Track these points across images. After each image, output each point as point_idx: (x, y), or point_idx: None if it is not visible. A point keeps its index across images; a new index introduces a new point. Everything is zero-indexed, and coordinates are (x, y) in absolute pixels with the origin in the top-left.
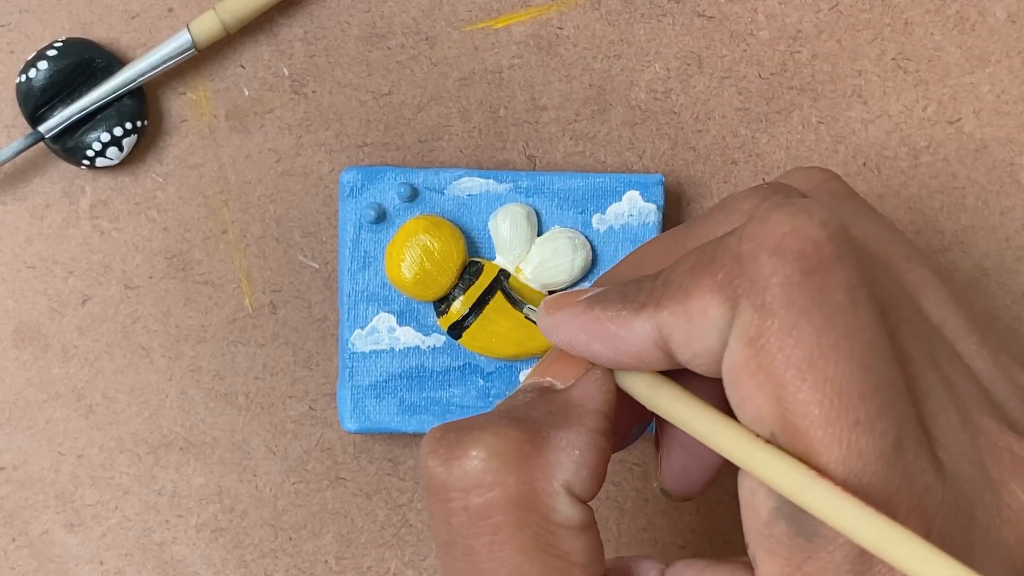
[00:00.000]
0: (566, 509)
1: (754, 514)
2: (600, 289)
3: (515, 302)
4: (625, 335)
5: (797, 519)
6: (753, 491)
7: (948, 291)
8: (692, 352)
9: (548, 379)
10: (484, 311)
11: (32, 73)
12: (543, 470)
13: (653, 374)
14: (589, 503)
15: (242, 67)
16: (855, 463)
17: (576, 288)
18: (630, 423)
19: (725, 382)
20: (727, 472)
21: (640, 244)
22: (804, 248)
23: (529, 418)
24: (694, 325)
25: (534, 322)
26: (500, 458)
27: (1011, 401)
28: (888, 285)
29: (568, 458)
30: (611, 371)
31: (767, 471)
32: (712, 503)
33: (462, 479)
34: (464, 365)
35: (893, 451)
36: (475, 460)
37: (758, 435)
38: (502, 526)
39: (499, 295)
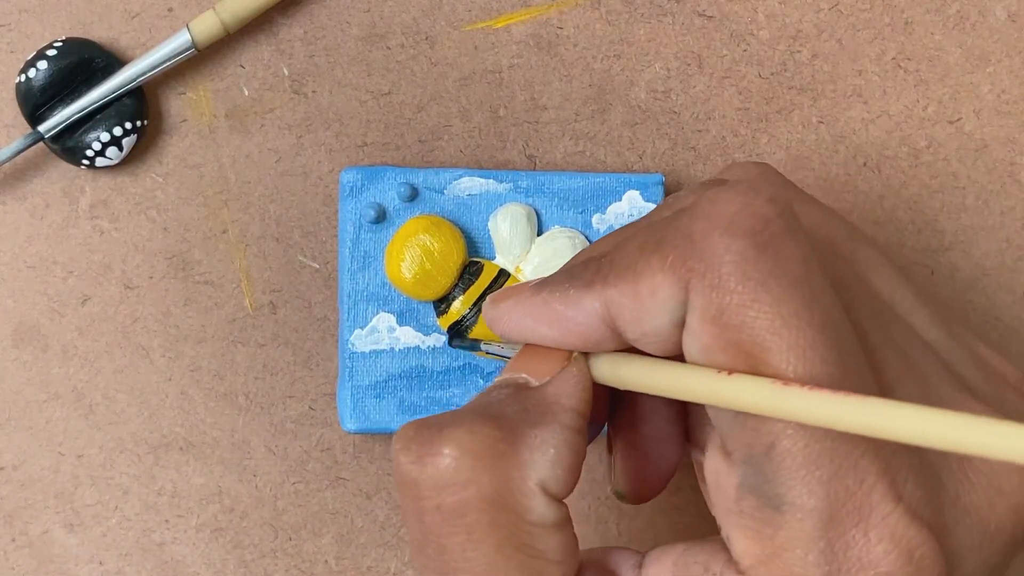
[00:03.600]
0: (541, 508)
1: (722, 494)
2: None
3: (471, 344)
4: (572, 314)
5: (762, 490)
6: (718, 471)
7: (893, 267)
8: (641, 331)
9: (523, 375)
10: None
11: (32, 73)
12: (517, 468)
13: (613, 353)
14: (563, 500)
15: (242, 67)
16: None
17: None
18: (595, 422)
19: (692, 361)
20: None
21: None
22: (755, 224)
23: (504, 415)
24: (643, 305)
25: (493, 352)
26: (474, 456)
27: (970, 370)
28: (836, 265)
29: (543, 457)
30: (587, 369)
31: (740, 396)
32: None
33: (435, 478)
34: (464, 365)
35: None
36: (448, 458)
37: (720, 371)
38: (476, 525)
39: None
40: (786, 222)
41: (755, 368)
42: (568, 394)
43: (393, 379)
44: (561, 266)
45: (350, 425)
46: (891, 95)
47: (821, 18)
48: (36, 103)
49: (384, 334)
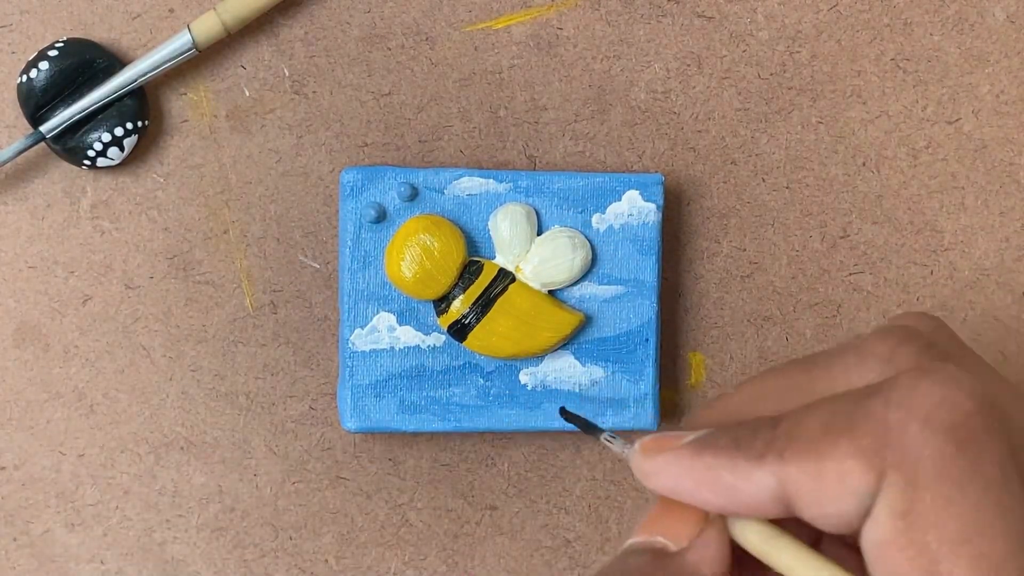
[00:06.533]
0: None
1: None
2: (704, 432)
3: (588, 427)
4: (742, 486)
5: None
6: None
7: None
8: (821, 512)
9: (659, 539)
10: (488, 313)
11: (33, 73)
12: None
13: (765, 523)
14: None
15: (243, 67)
16: None
17: (671, 432)
18: None
19: (869, 553)
20: None
21: (750, 378)
22: (956, 420)
23: None
24: (827, 487)
25: (613, 449)
26: None
27: None
28: (1021, 441)
29: None
30: (726, 528)
31: None
32: None
33: None
34: (464, 364)
35: None
36: None
37: None
38: None
39: (503, 298)
40: (985, 418)
41: (935, 572)
42: (710, 560)
43: (393, 378)
44: (711, 416)
45: (350, 424)
46: (890, 95)
47: (820, 19)
48: (37, 103)
49: (384, 334)
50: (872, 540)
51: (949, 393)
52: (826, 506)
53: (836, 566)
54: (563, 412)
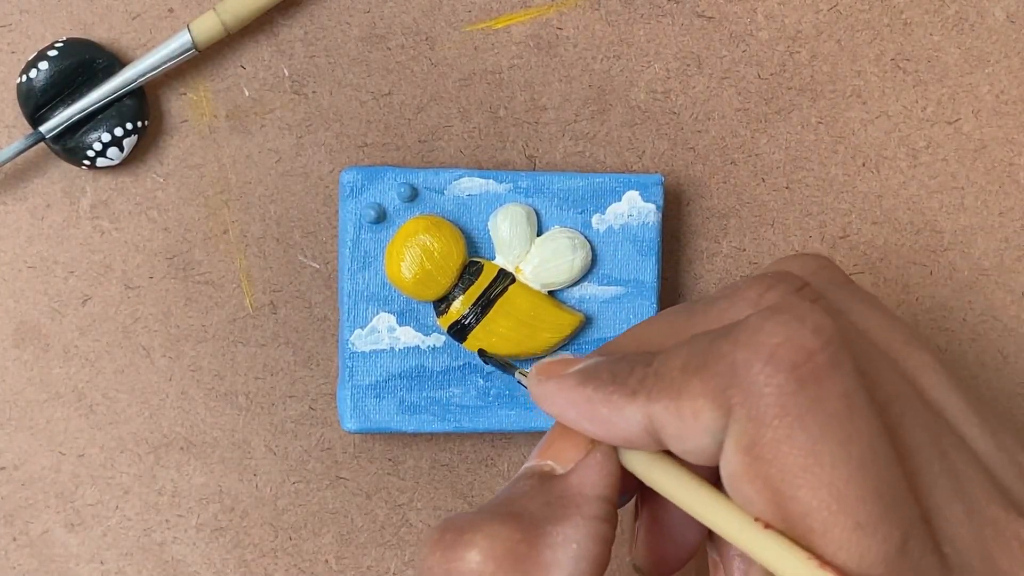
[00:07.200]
0: None
1: None
2: (593, 361)
3: (504, 366)
4: (616, 420)
5: None
6: (745, 572)
7: (947, 374)
8: (683, 448)
9: (548, 463)
10: (488, 313)
11: (33, 73)
12: (540, 569)
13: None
14: None
15: (242, 67)
16: (858, 566)
17: (564, 354)
18: (625, 492)
19: (725, 484)
20: None
21: (641, 321)
22: (797, 358)
23: (526, 512)
24: (686, 425)
25: (524, 386)
26: (496, 561)
27: (1016, 483)
28: (891, 375)
29: (565, 554)
30: (614, 452)
31: (768, 555)
32: None
33: None
34: (464, 365)
35: (898, 553)
36: (472, 563)
37: (757, 519)
38: None
39: (502, 298)
40: (830, 354)
41: (782, 505)
42: (592, 483)
43: (393, 379)
44: (605, 352)
45: (350, 425)
46: (890, 96)
47: (820, 19)
48: (37, 103)
49: (384, 334)
50: (726, 473)
51: (793, 331)
52: (686, 442)
53: (715, 491)
54: (481, 354)
